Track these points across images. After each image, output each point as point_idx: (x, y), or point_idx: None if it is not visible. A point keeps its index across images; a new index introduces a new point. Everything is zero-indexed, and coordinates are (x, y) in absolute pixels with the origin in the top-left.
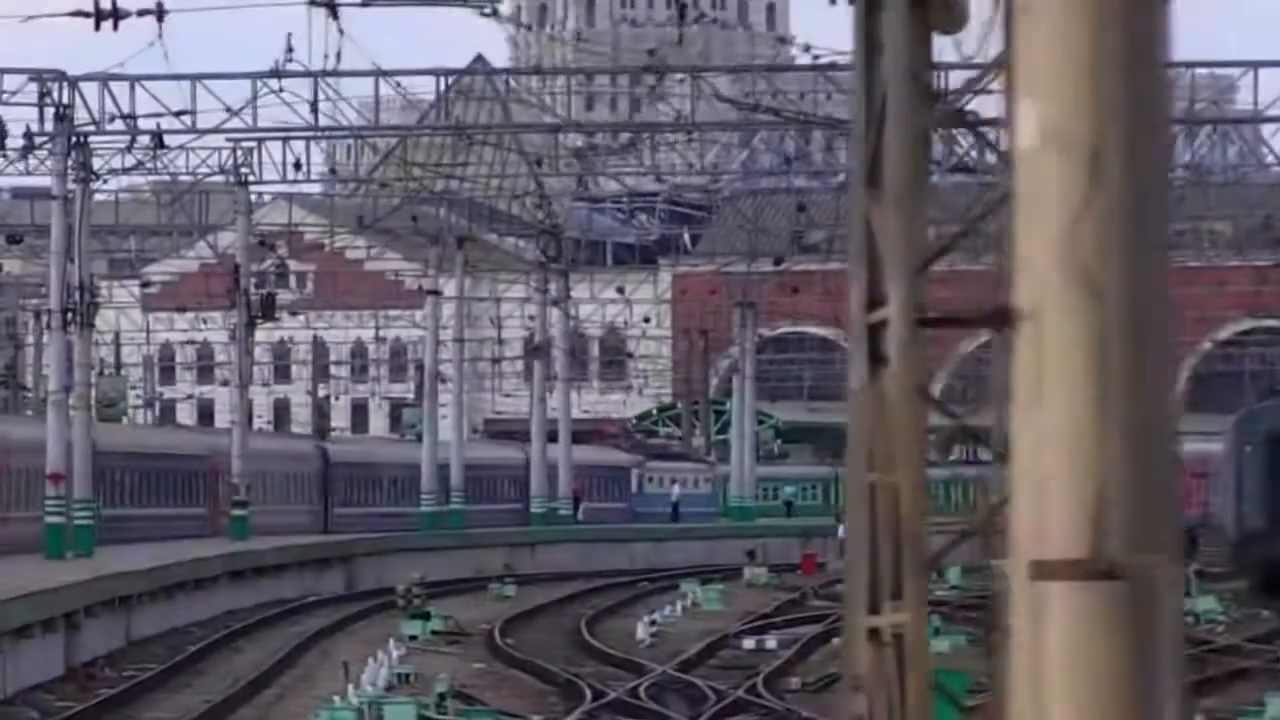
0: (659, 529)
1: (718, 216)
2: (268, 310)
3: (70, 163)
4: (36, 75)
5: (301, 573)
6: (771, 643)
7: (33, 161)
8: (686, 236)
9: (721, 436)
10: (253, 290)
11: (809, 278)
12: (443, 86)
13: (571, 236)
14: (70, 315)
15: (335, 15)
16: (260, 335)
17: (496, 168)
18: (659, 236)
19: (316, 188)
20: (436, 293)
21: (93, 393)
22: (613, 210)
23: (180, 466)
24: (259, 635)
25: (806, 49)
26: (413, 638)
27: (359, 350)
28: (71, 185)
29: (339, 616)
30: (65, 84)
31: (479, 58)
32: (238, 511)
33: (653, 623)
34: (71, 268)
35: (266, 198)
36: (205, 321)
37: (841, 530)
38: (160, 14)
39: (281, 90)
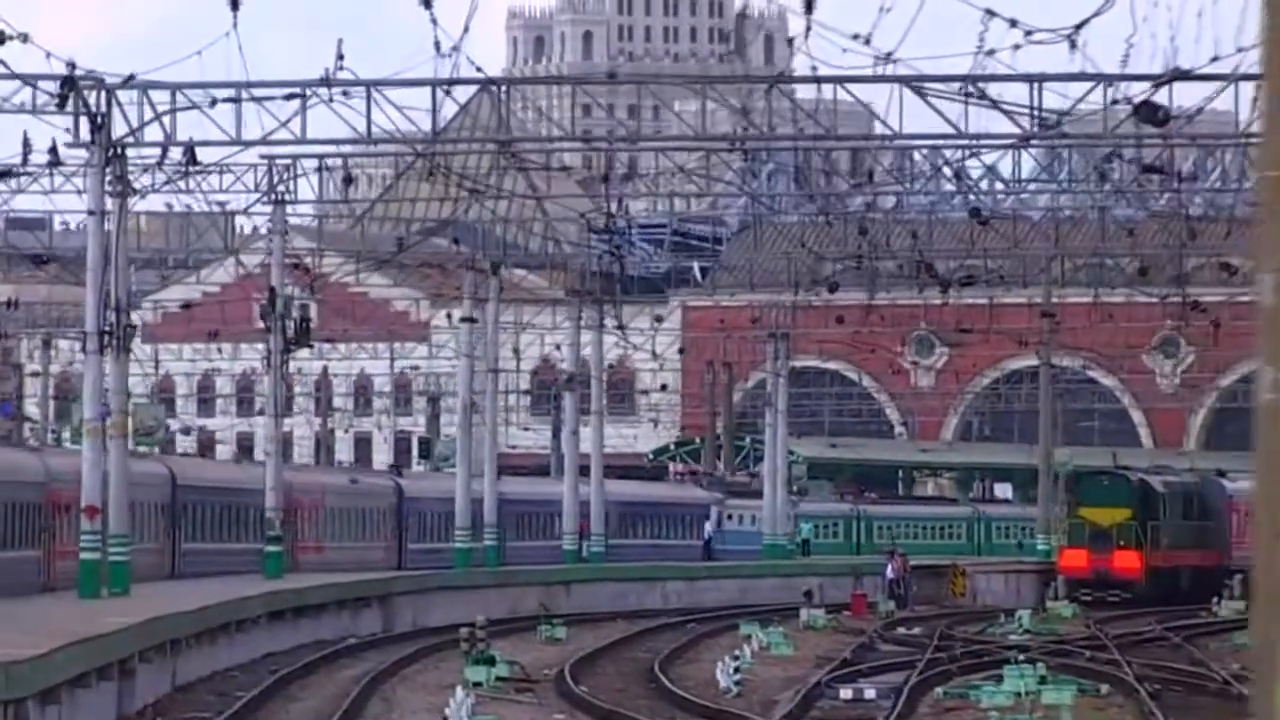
0: (693, 568)
1: (727, 247)
2: (302, 337)
3: (108, 176)
4: (70, 81)
5: (340, 612)
6: (870, 692)
7: (58, 178)
8: (696, 268)
9: (745, 471)
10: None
11: (826, 312)
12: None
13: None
14: (106, 338)
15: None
16: (261, 366)
17: (506, 198)
18: (667, 268)
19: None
20: (472, 320)
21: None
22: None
23: (258, 502)
24: (309, 681)
25: (814, 73)
26: (477, 684)
27: (363, 382)
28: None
29: (388, 660)
30: (102, 91)
31: (483, 83)
32: (272, 548)
33: (736, 670)
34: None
35: (261, 226)
36: (219, 350)
37: (890, 569)
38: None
39: (332, 100)
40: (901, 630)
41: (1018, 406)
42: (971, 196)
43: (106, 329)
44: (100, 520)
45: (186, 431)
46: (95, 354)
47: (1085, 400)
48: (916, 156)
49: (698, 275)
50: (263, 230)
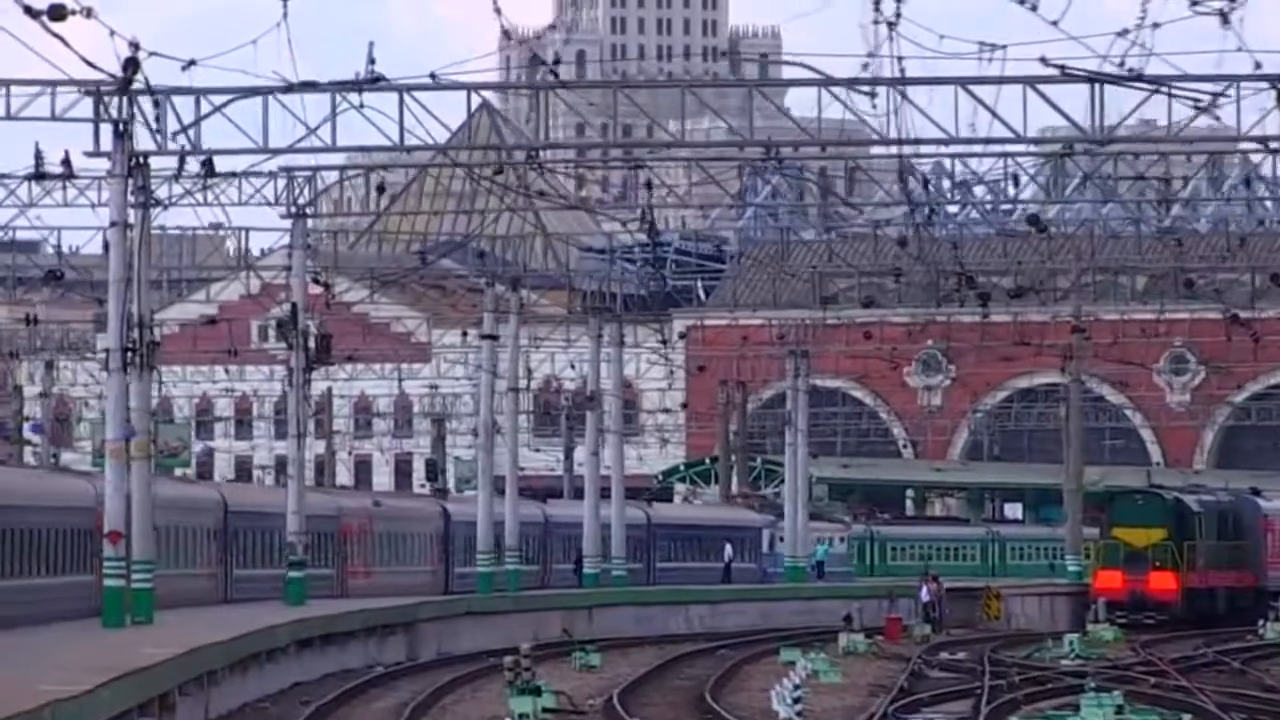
0: (716, 591)
1: (732, 266)
2: (322, 355)
3: (130, 186)
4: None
5: (366, 640)
6: None
7: (71, 192)
8: (700, 287)
9: (759, 493)
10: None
11: (834, 332)
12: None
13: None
14: (130, 355)
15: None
16: (264, 389)
17: (505, 217)
18: (669, 287)
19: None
20: (494, 337)
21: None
22: (622, 261)
23: (310, 527)
24: (343, 714)
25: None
26: (523, 716)
27: (364, 404)
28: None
29: (423, 689)
30: (125, 98)
31: (483, 105)
32: (293, 574)
33: (796, 700)
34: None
35: (267, 246)
36: (226, 370)
37: (925, 592)
38: None
39: (363, 106)
40: (945, 655)
41: (1029, 425)
42: (1021, 205)
43: (129, 346)
44: (124, 546)
45: (209, 453)
46: (118, 372)
47: (1093, 418)
48: (951, 165)
49: (701, 294)
50: (272, 246)
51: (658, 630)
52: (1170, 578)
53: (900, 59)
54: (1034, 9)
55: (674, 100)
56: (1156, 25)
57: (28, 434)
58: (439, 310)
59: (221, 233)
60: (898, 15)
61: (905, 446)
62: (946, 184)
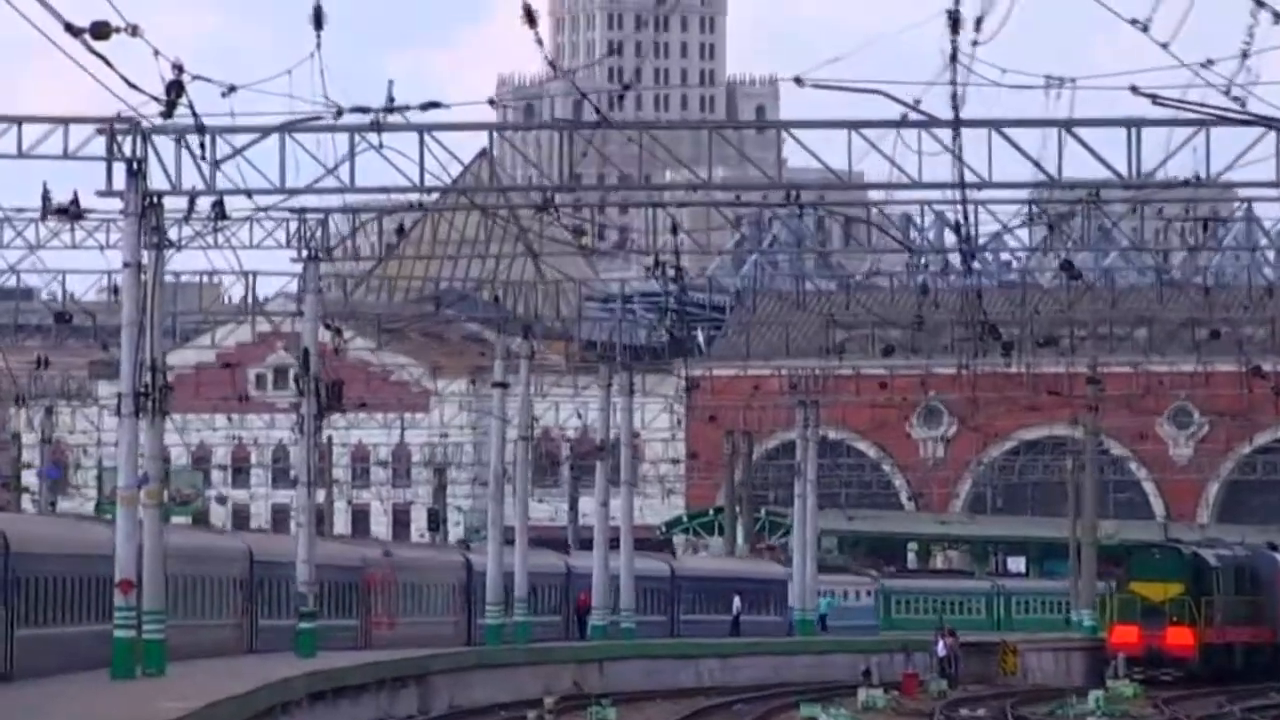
0: (726, 644)
1: (739, 313)
2: (333, 402)
3: (142, 227)
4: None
5: (378, 693)
6: None
7: (79, 234)
8: (701, 337)
9: (765, 545)
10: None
11: (842, 383)
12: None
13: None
14: (142, 400)
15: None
16: (263, 438)
17: (508, 264)
18: (670, 337)
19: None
20: (504, 385)
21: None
22: (630, 309)
23: (334, 577)
24: None
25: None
26: None
27: (361, 453)
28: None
29: None
30: (139, 136)
31: (483, 152)
32: (304, 625)
33: None
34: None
35: (271, 292)
36: (229, 418)
37: (941, 646)
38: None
39: (382, 146)
40: (965, 712)
41: (1032, 478)
42: (1060, 251)
43: (141, 390)
44: (136, 595)
45: (223, 501)
46: (131, 416)
47: (1096, 470)
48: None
49: (701, 344)
50: (278, 290)
51: (668, 684)
52: (1188, 633)
53: (957, 89)
54: (1145, 29)
55: (673, 147)
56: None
57: (36, 479)
58: (440, 359)
59: (217, 280)
60: (970, 47)
61: (910, 499)
62: (961, 231)
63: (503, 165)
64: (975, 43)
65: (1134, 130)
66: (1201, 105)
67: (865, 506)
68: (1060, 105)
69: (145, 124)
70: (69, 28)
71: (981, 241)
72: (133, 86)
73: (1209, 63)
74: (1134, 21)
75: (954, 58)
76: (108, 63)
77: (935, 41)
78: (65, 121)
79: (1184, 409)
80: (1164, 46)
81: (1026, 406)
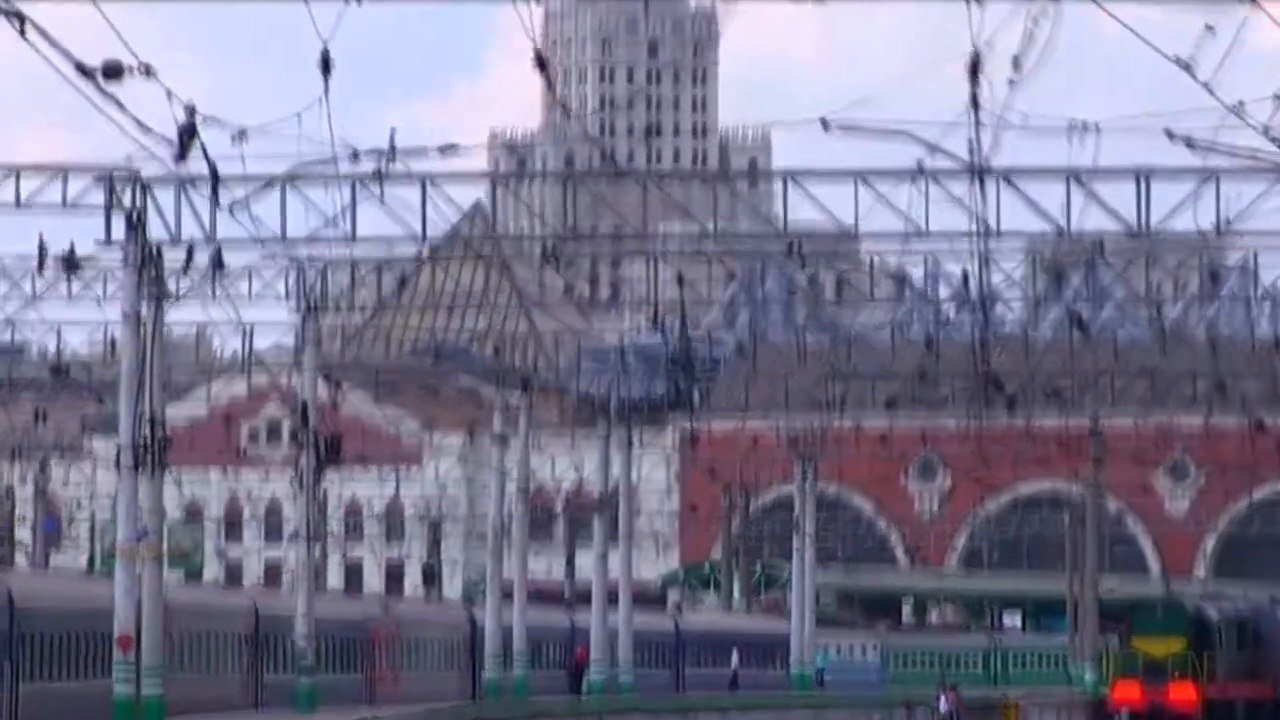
0: (723, 699)
1: (728, 367)
2: (332, 454)
3: (142, 279)
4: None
5: None
6: None
7: (76, 286)
8: (695, 391)
9: (759, 598)
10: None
11: (838, 437)
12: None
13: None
14: (141, 454)
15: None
16: (258, 491)
17: (493, 320)
18: (676, 390)
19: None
20: (504, 438)
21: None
22: (616, 363)
23: (339, 633)
24: None
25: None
26: None
27: (354, 507)
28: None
29: None
30: (138, 187)
31: (477, 204)
32: (303, 680)
33: None
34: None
35: (262, 345)
36: (225, 470)
37: (943, 703)
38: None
39: (384, 200)
40: None
41: (1028, 532)
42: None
43: (141, 444)
44: (135, 652)
45: (220, 555)
46: (130, 470)
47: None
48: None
49: (696, 398)
50: (269, 344)
51: None
52: (1190, 689)
53: (976, 137)
54: (1188, 69)
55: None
56: None
57: (30, 533)
58: (436, 413)
59: (210, 333)
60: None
61: (905, 554)
62: (965, 281)
63: (501, 217)
64: (1012, 81)
65: (1143, 179)
66: (1234, 149)
67: (860, 560)
68: (1083, 151)
69: (145, 174)
70: (80, 68)
71: (987, 293)
72: (145, 129)
73: (1240, 104)
74: (1177, 60)
75: (975, 104)
76: (120, 104)
77: (948, 86)
78: (64, 171)
79: (1181, 463)
80: (1206, 87)
81: (1033, 460)
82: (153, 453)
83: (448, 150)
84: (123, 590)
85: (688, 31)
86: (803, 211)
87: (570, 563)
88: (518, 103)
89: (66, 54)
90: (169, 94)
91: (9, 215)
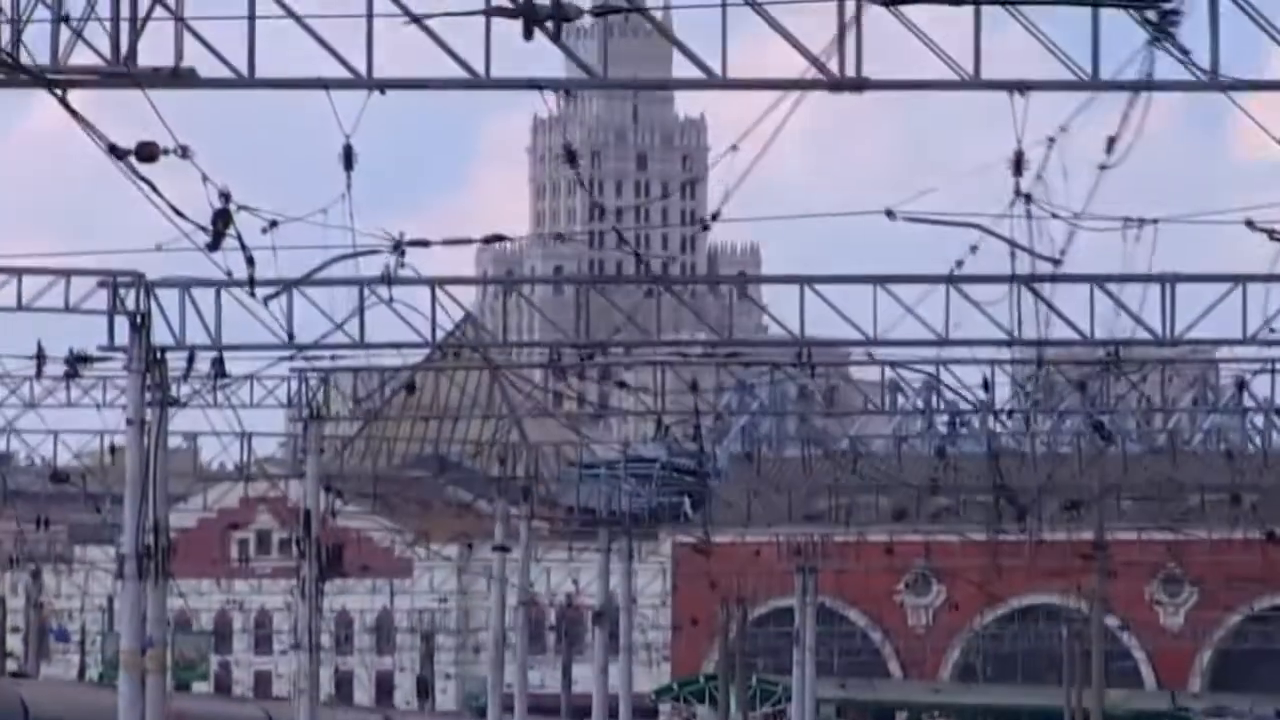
0: None
1: (722, 481)
2: (334, 564)
3: (147, 383)
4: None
5: None
6: None
7: (75, 392)
8: (687, 504)
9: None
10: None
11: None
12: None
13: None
14: (145, 561)
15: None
16: (251, 601)
17: (490, 430)
18: (656, 504)
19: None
20: (505, 549)
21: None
22: (607, 476)
23: None
24: None
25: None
26: None
27: (343, 619)
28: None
29: None
30: (142, 290)
31: (468, 316)
32: None
33: None
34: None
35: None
36: (220, 581)
37: None
38: (350, 159)
39: (392, 301)
40: None
41: (1024, 646)
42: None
43: (144, 551)
44: None
45: (224, 666)
46: (134, 578)
47: (1085, 639)
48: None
49: (688, 511)
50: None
51: None
52: None
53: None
54: None
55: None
56: None
57: (21, 644)
58: (427, 525)
59: (193, 443)
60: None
61: (900, 667)
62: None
63: (488, 326)
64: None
65: (1168, 286)
66: None
67: (854, 674)
68: (1141, 248)
69: (165, 268)
70: (113, 149)
71: (999, 405)
72: (179, 214)
73: None
74: None
75: (1027, 199)
76: (154, 187)
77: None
78: (67, 274)
79: (1174, 576)
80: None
81: (1037, 572)
82: (156, 560)
83: (452, 244)
84: (127, 701)
85: (676, 143)
86: (811, 320)
87: (567, 674)
88: (505, 215)
89: (99, 135)
90: (204, 178)
91: (10, 318)
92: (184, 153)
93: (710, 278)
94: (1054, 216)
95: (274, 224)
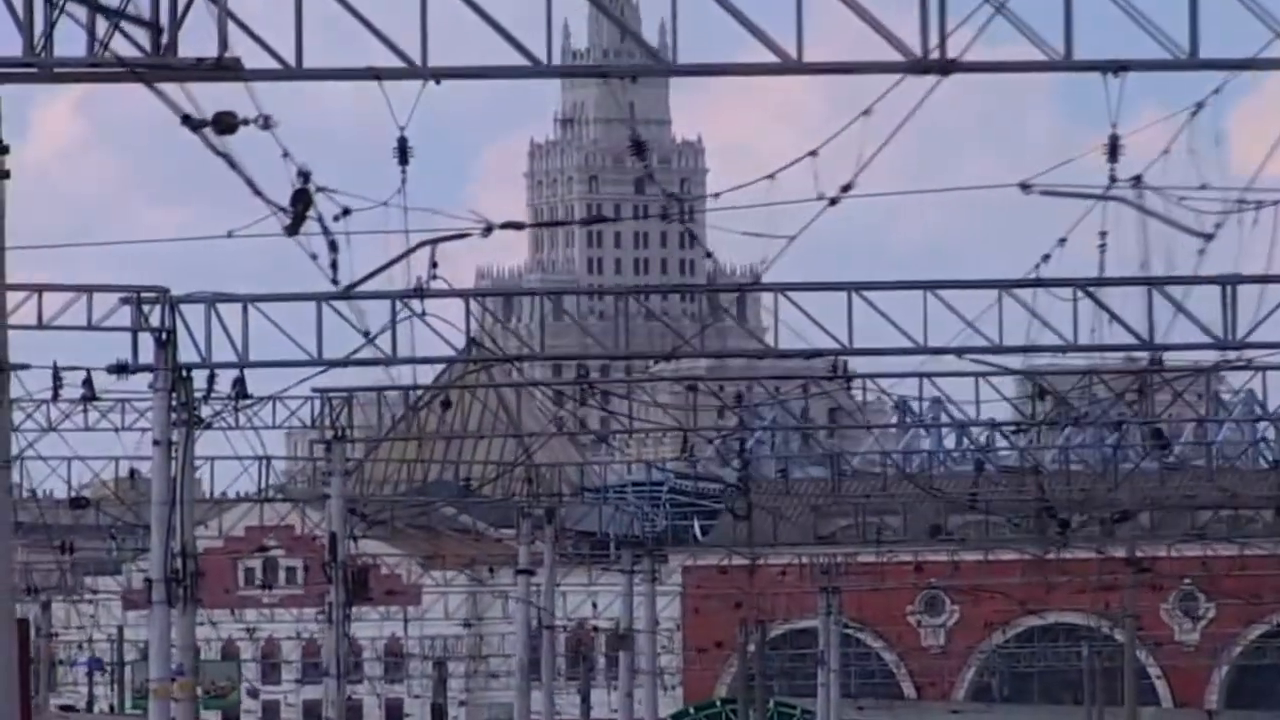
0: None
1: (727, 505)
2: (359, 590)
3: (173, 403)
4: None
5: None
6: None
7: (93, 415)
8: (697, 527)
9: None
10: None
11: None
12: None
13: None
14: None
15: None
16: (260, 630)
17: (493, 454)
18: (664, 528)
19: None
20: (530, 571)
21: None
22: (615, 501)
23: None
24: None
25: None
26: None
27: (352, 648)
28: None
29: None
30: (167, 306)
31: (472, 341)
32: None
33: None
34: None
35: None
36: (234, 612)
37: None
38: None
39: (425, 315)
40: None
41: (1040, 665)
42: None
43: (172, 576)
44: None
45: (255, 695)
46: (162, 604)
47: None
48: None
49: (698, 533)
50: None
51: None
52: None
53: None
54: None
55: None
56: None
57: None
58: (436, 550)
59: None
60: None
61: (913, 689)
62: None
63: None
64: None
65: (1229, 289)
66: None
67: (869, 695)
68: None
69: (173, 292)
70: (187, 120)
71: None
72: (258, 194)
73: None
74: None
75: (1137, 180)
76: (231, 162)
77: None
78: (89, 290)
79: (1190, 593)
80: None
81: (1074, 589)
82: (185, 586)
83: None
84: None
85: (675, 166)
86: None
87: (586, 700)
88: (502, 243)
89: (172, 104)
90: (285, 154)
91: (31, 336)
92: (265, 123)
93: (751, 285)
94: (1202, 186)
95: (346, 211)
